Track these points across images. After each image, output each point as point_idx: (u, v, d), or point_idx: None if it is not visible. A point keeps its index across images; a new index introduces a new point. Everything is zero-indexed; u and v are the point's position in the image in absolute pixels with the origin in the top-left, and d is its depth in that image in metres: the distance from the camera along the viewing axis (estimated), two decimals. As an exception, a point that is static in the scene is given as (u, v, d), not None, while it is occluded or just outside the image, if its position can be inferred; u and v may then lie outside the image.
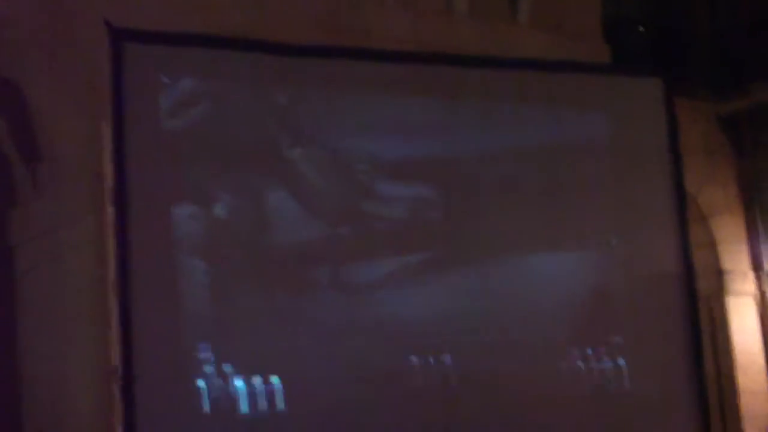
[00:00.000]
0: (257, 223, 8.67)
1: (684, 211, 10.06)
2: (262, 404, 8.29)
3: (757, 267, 16.65)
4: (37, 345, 10.69)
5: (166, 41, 8.72)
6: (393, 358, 8.80)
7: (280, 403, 8.34)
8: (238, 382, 8.24)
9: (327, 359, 8.57)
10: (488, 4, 13.54)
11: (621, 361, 9.50)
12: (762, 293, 16.58)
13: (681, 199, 10.06)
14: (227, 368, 8.23)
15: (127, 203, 8.03)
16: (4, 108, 10.83)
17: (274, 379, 8.34)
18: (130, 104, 8.15)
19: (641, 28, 17.38)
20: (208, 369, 8.18)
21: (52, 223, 10.60)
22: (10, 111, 10.79)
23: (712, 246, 16.42)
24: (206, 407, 8.13)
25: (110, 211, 8.18)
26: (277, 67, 8.93)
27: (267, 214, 8.69)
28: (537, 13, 13.80)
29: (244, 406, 8.24)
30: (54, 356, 10.40)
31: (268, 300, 8.58)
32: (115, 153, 8.14)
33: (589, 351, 9.46)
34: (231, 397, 8.21)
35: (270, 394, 8.32)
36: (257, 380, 8.30)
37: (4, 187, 11.04)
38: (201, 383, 8.14)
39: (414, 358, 8.84)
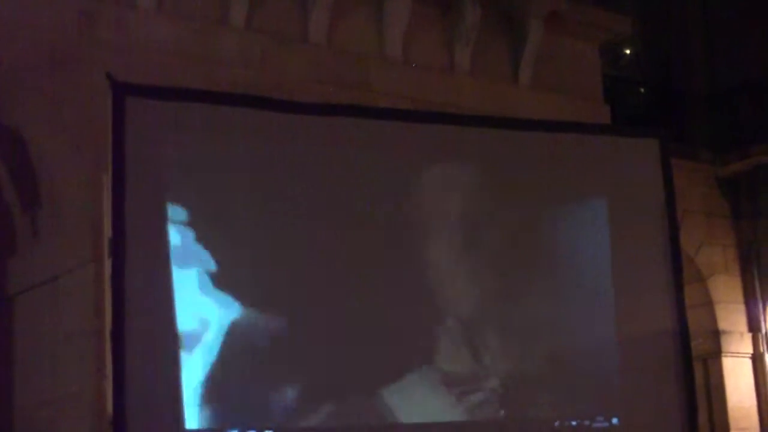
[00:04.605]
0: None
1: (680, 271, 10.02)
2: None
3: (753, 327, 16.63)
4: (33, 391, 10.77)
5: (167, 96, 8.67)
6: None
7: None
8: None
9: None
10: (490, 64, 13.54)
11: (614, 420, 9.46)
12: (758, 353, 16.55)
13: (677, 259, 10.02)
14: (221, 420, 8.23)
15: (125, 255, 7.96)
16: (5, 155, 10.95)
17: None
18: (131, 157, 8.11)
19: (641, 89, 17.57)
20: (202, 419, 8.16)
21: (51, 271, 10.61)
22: (12, 158, 10.91)
23: (709, 306, 16.42)
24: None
25: (108, 263, 8.08)
26: (279, 123, 8.92)
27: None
28: (538, 73, 13.79)
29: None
30: (50, 403, 10.43)
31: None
32: (114, 205, 8.07)
33: (584, 409, 9.45)
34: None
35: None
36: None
37: (5, 235, 11.12)
38: (194, 434, 8.12)
39: None
